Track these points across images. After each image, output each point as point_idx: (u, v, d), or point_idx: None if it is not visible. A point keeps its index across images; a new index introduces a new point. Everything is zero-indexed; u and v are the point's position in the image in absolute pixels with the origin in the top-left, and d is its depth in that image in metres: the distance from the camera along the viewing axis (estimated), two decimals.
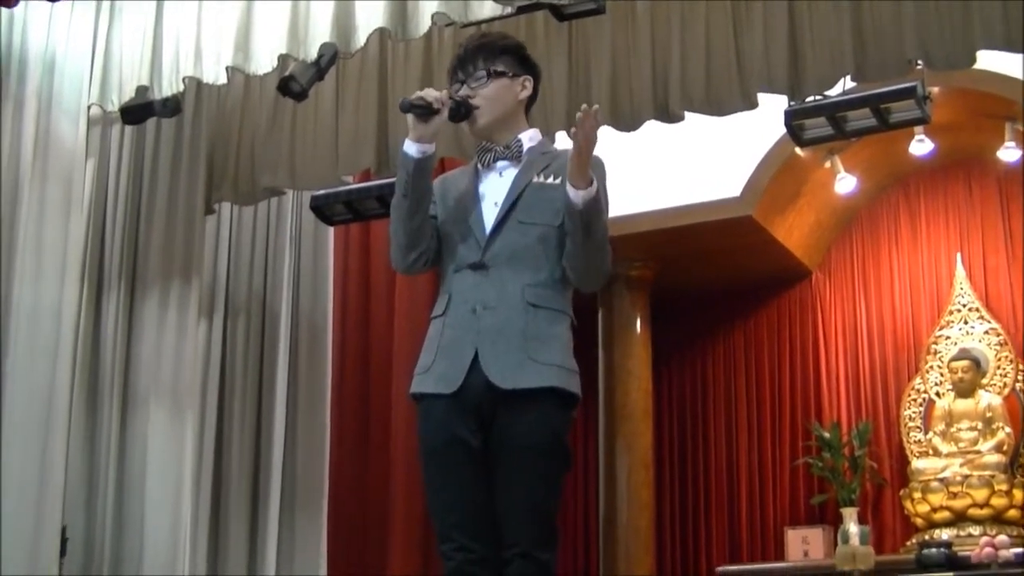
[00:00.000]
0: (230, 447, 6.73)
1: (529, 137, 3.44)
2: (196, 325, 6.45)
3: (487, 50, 3.41)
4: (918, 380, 9.74)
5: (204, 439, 6.58)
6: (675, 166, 9.02)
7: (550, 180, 3.33)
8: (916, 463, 9.36)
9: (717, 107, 5.76)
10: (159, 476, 6.05)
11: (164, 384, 6.19)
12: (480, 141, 3.46)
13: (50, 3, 5.72)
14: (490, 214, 3.32)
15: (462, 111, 3.37)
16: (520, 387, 3.17)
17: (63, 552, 5.64)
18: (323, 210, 6.65)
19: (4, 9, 5.59)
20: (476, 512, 3.19)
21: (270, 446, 6.81)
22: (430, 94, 3.28)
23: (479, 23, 5.67)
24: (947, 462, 9.15)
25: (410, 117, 3.27)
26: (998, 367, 9.51)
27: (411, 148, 3.28)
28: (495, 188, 3.37)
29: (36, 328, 5.69)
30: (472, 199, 3.37)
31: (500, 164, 3.40)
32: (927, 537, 8.71)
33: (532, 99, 3.49)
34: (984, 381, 9.45)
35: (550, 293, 3.27)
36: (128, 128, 6.37)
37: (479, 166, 3.43)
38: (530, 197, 3.31)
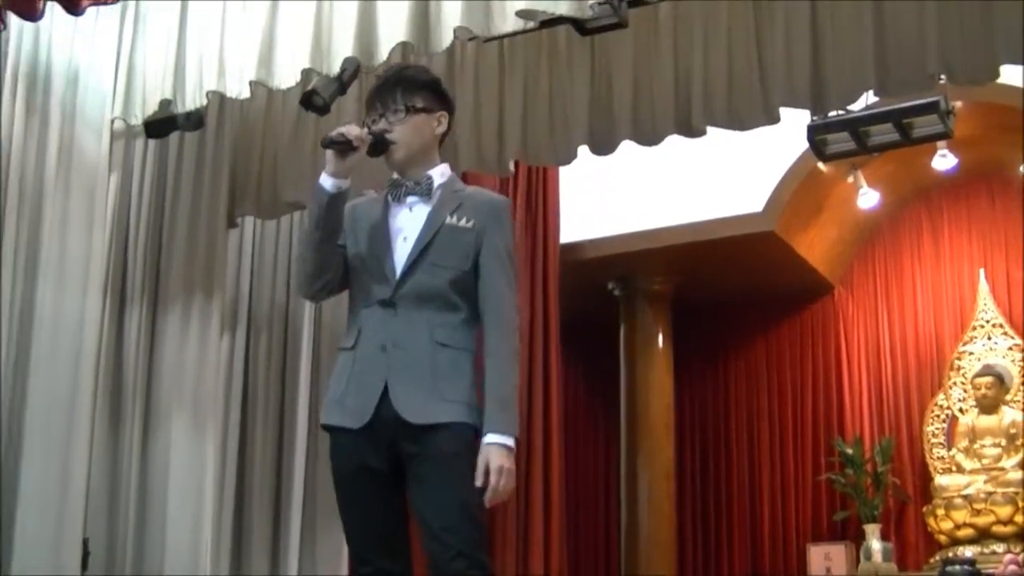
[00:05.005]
0: (252, 459, 6.74)
1: (440, 173, 3.50)
2: (218, 338, 6.46)
3: (407, 84, 3.48)
4: (941, 396, 9.70)
5: (226, 451, 6.59)
6: (697, 181, 9.02)
7: (462, 223, 3.40)
8: (939, 479, 9.32)
9: (739, 122, 5.74)
10: (181, 489, 6.05)
11: (186, 396, 6.20)
12: (392, 174, 3.53)
13: (74, 17, 5.73)
14: (402, 252, 3.39)
15: (379, 147, 3.43)
16: (429, 422, 3.24)
17: (85, 566, 5.64)
18: None
19: (28, 23, 5.61)
20: (388, 534, 3.29)
21: (292, 457, 6.81)
22: (351, 131, 3.36)
23: (501, 37, 5.66)
24: (970, 479, 9.11)
25: (328, 152, 3.35)
26: (1022, 383, 9.46)
27: (327, 182, 3.38)
28: (407, 224, 3.44)
29: (58, 340, 5.70)
30: (383, 234, 3.43)
31: (410, 199, 3.47)
32: (950, 554, 8.67)
33: (446, 134, 3.55)
34: (1008, 397, 9.41)
35: (459, 334, 3.34)
36: (151, 142, 6.38)
37: (389, 199, 3.50)
38: (443, 239, 3.38)
